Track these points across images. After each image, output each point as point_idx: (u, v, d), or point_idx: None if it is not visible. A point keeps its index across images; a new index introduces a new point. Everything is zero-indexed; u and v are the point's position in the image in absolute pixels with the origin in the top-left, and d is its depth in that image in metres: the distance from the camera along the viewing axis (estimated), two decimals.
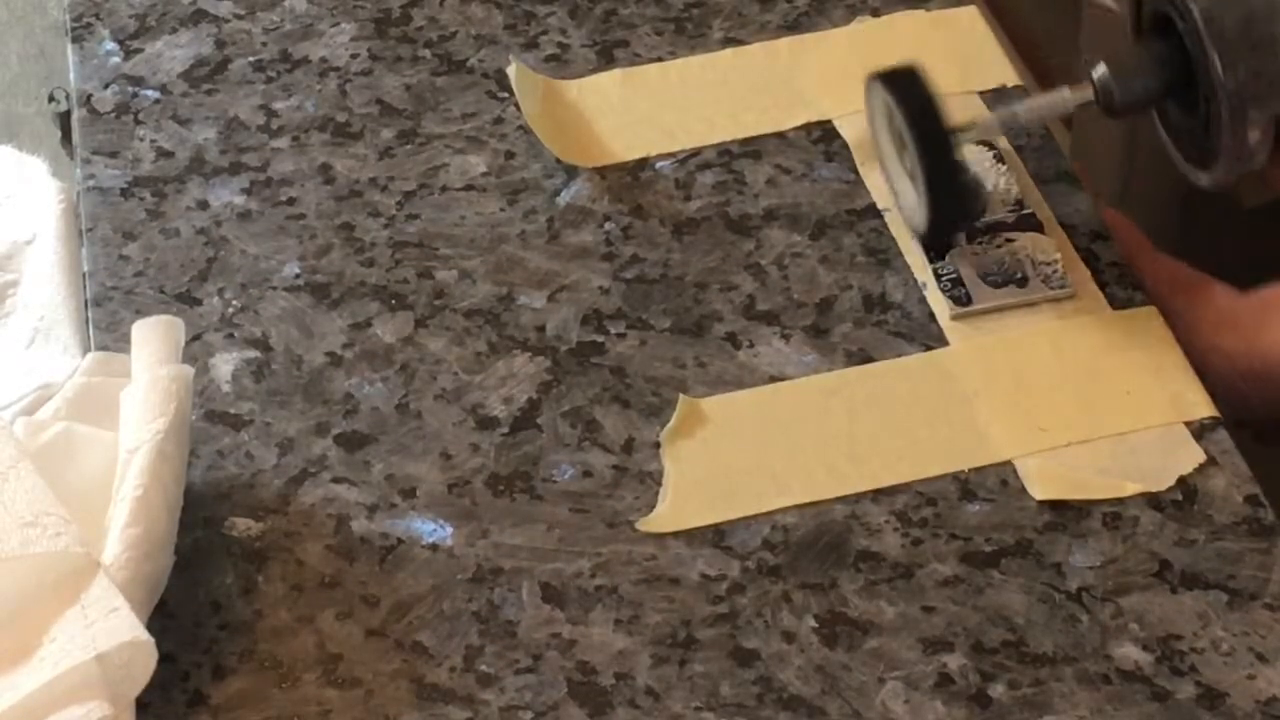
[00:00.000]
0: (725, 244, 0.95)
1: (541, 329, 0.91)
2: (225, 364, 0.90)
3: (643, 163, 0.99)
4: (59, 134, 1.08)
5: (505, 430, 0.87)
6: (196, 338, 0.91)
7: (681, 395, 0.88)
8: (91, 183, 0.99)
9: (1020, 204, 0.94)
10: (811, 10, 1.06)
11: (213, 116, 1.02)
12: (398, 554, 0.83)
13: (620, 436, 0.87)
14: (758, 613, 0.81)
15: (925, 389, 0.88)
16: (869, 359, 0.90)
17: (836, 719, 0.77)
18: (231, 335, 0.92)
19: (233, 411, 0.88)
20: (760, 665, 0.79)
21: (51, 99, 1.09)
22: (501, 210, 0.97)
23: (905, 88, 0.90)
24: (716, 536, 0.83)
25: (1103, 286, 0.92)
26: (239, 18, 1.07)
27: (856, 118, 0.98)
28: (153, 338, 0.83)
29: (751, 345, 0.90)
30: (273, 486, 0.86)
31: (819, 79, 1.02)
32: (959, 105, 0.93)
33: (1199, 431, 0.86)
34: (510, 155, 0.99)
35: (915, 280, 0.93)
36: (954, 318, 0.91)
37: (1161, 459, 0.85)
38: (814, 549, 0.83)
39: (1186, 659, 0.79)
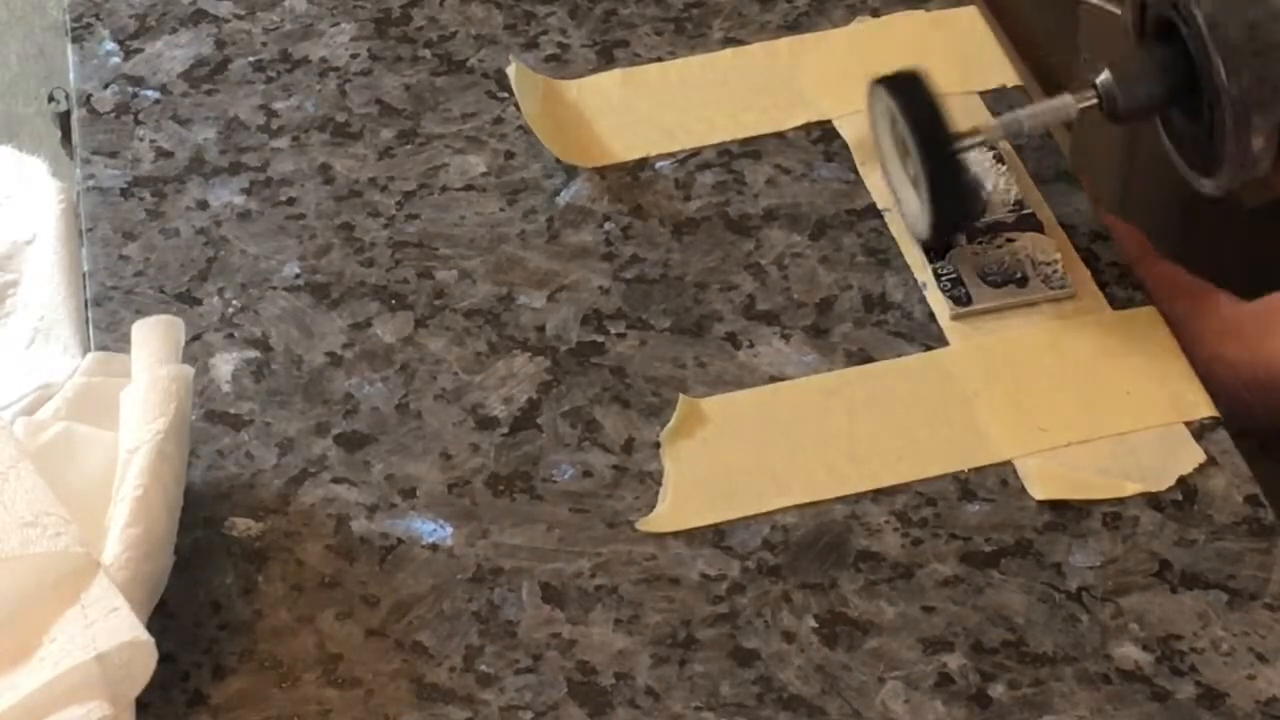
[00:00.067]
0: (725, 244, 0.95)
1: (541, 329, 0.91)
2: (225, 364, 0.90)
3: (643, 163, 0.99)
4: (59, 134, 1.08)
5: (505, 430, 0.87)
6: (196, 338, 0.91)
7: (681, 395, 0.88)
8: (91, 183, 0.99)
9: (1020, 204, 0.94)
10: (811, 10, 1.06)
11: (213, 116, 1.02)
12: (398, 554, 0.83)
13: (620, 436, 0.87)
14: (758, 613, 0.81)
15: (925, 389, 0.88)
16: (869, 359, 0.90)
17: (836, 719, 0.77)
18: (231, 335, 0.92)
19: (233, 411, 0.88)
20: (760, 665, 0.79)
21: (51, 99, 1.09)
22: (501, 210, 0.97)
23: (908, 93, 0.90)
24: (716, 536, 0.83)
25: (1103, 286, 0.92)
26: (239, 18, 1.07)
27: (856, 118, 0.98)
28: (153, 338, 0.83)
29: (751, 345, 0.90)
30: (273, 486, 0.86)
31: (819, 79, 1.02)
32: (959, 106, 0.93)
33: (1199, 431, 0.86)
34: (510, 155, 0.99)
35: (915, 280, 0.93)
36: (954, 318, 0.91)
37: (1161, 459, 0.85)
38: (814, 549, 0.83)
39: (1186, 659, 0.79)
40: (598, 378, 0.89)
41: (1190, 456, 0.85)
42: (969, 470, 0.85)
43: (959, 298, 0.91)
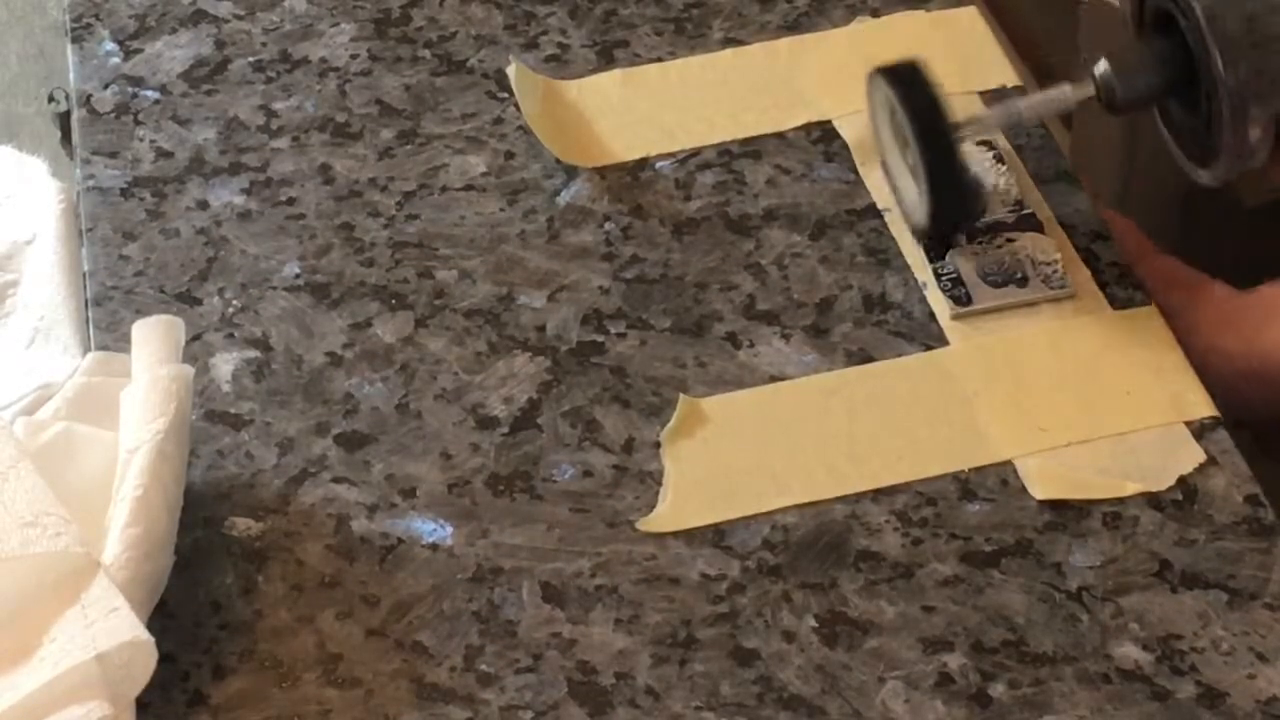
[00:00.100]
0: (725, 244, 0.95)
1: (541, 329, 0.91)
2: (225, 364, 0.90)
3: (643, 163, 0.99)
4: (59, 134, 1.08)
5: (505, 430, 0.87)
6: (196, 338, 0.91)
7: (681, 395, 0.88)
8: (91, 183, 0.99)
9: (1020, 204, 0.94)
10: (811, 10, 1.06)
11: (213, 117, 1.02)
12: (398, 554, 0.83)
13: (620, 436, 0.87)
14: (758, 612, 0.81)
15: (925, 389, 0.88)
16: (869, 359, 0.90)
17: (836, 719, 0.77)
18: (231, 335, 0.92)
19: (233, 411, 0.88)
20: (760, 665, 0.79)
21: (51, 99, 1.09)
22: (501, 210, 0.97)
23: (908, 83, 0.90)
24: (716, 536, 0.83)
25: (1103, 286, 0.92)
26: (239, 18, 1.07)
27: (856, 118, 0.98)
28: (153, 338, 0.83)
29: (751, 345, 0.90)
30: (273, 486, 0.86)
31: (819, 79, 1.02)
32: (959, 105, 0.93)
33: (1199, 431, 0.86)
34: (510, 155, 0.99)
35: (915, 280, 0.93)
36: (954, 318, 0.91)
37: (1161, 459, 0.85)
38: (814, 549, 0.83)
39: (1186, 659, 0.79)
40: (598, 378, 0.89)
41: (1190, 456, 0.85)
42: (969, 470, 0.85)
43: (959, 298, 0.91)
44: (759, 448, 0.86)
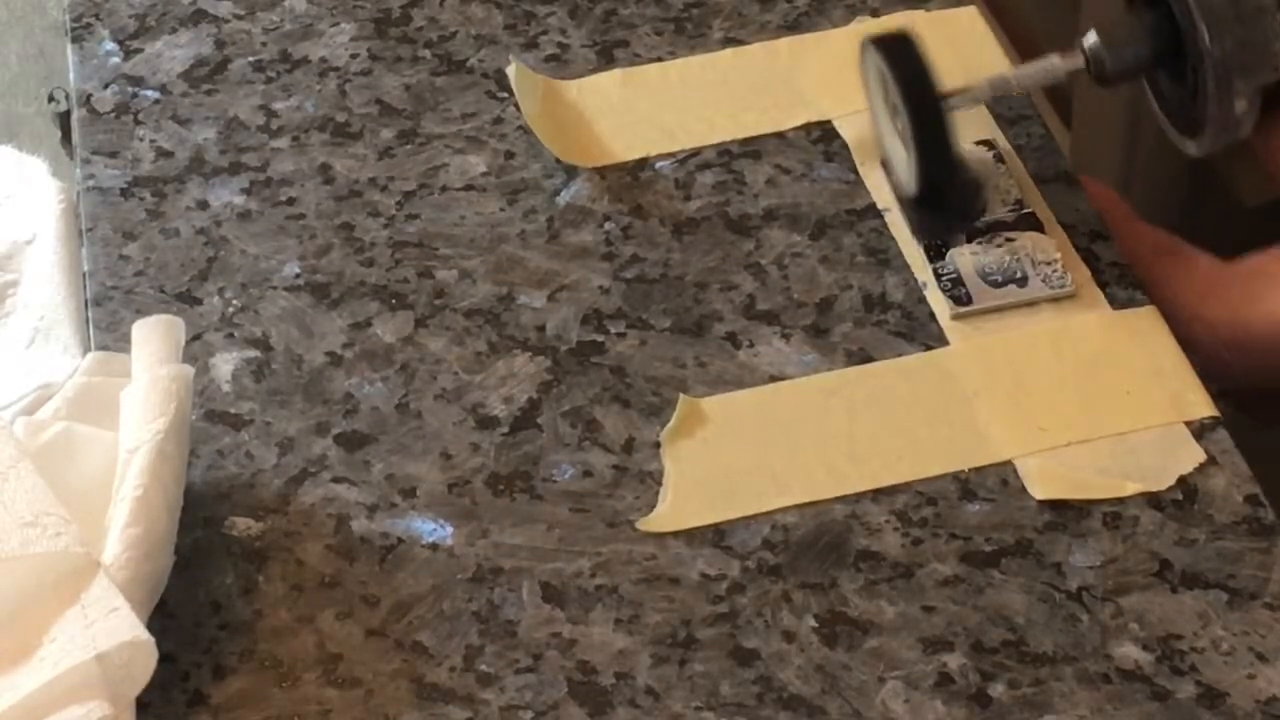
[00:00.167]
0: (725, 244, 0.95)
1: (541, 329, 0.91)
2: (225, 364, 0.90)
3: (643, 163, 0.99)
4: (59, 134, 1.08)
5: (505, 430, 0.87)
6: (196, 338, 0.91)
7: (681, 395, 0.88)
8: (91, 183, 0.99)
9: (1020, 204, 0.94)
10: (811, 10, 1.06)
11: (213, 116, 1.02)
12: (398, 554, 0.83)
13: (620, 436, 0.87)
14: (758, 612, 0.81)
15: (925, 389, 0.88)
16: (869, 359, 0.90)
17: (836, 718, 0.77)
18: (231, 335, 0.92)
19: (233, 411, 0.88)
20: (760, 665, 0.79)
21: (51, 99, 1.09)
22: (501, 210, 0.97)
23: (898, 52, 0.90)
24: (716, 536, 0.83)
25: (1103, 286, 0.92)
26: (239, 18, 1.07)
27: (856, 118, 0.98)
28: (153, 337, 0.83)
29: (751, 345, 0.90)
30: (273, 486, 0.86)
31: (819, 79, 1.02)
32: (956, 83, 0.93)
33: (1199, 431, 0.86)
34: (510, 155, 0.99)
35: (915, 280, 0.93)
36: (954, 317, 0.91)
37: (1161, 459, 0.85)
38: (814, 549, 0.83)
39: (1186, 658, 0.79)
40: (598, 377, 0.89)
41: (1190, 456, 0.85)
42: (969, 470, 0.85)
43: (959, 297, 0.91)
44: (759, 448, 0.86)
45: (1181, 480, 0.84)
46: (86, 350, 0.92)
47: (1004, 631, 0.80)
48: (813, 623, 0.80)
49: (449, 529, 0.84)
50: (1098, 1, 1.04)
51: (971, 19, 1.05)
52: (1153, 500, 0.84)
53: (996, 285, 0.91)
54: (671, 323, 0.91)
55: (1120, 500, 0.84)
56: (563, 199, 0.97)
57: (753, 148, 0.99)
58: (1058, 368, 0.89)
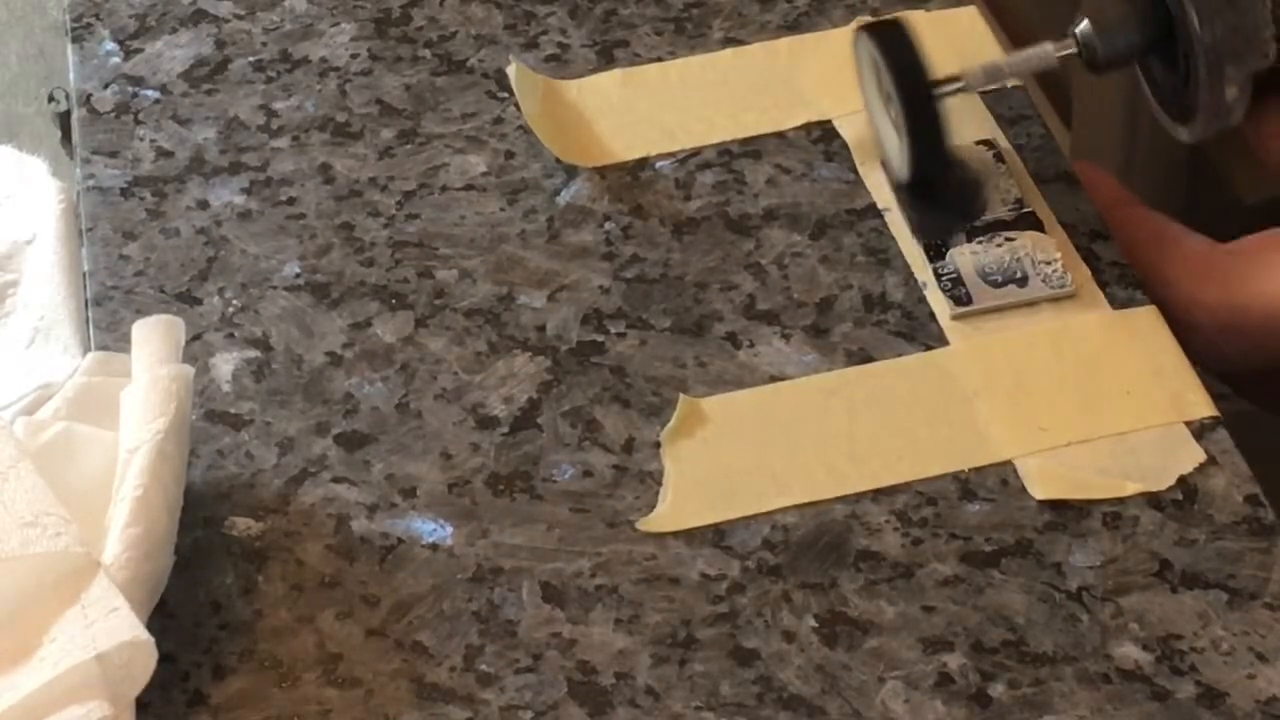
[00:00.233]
0: (725, 244, 0.95)
1: (541, 329, 0.91)
2: (225, 364, 0.90)
3: (643, 163, 0.99)
4: (59, 134, 1.08)
5: (505, 430, 0.87)
6: (196, 338, 0.91)
7: (681, 395, 0.88)
8: (91, 183, 0.99)
9: (1020, 204, 0.95)
10: (811, 10, 1.06)
11: (213, 116, 1.02)
12: (398, 554, 0.83)
13: (620, 436, 0.87)
14: (758, 612, 0.81)
15: (925, 389, 0.88)
16: (869, 359, 0.90)
17: (836, 718, 0.77)
18: (231, 335, 0.92)
19: (233, 411, 0.88)
20: (760, 665, 0.79)
21: (51, 99, 1.09)
22: (501, 210, 0.97)
23: (890, 39, 0.90)
24: (716, 536, 0.83)
25: (1103, 286, 0.92)
26: (239, 18, 1.07)
27: (856, 117, 0.98)
28: (153, 337, 0.83)
29: (751, 345, 0.90)
30: (273, 486, 0.86)
31: (819, 79, 1.02)
32: (959, 106, 0.93)
33: (1199, 431, 0.86)
34: (510, 155, 0.99)
35: (915, 280, 0.93)
36: (954, 317, 0.91)
37: (1161, 459, 0.85)
38: (814, 549, 0.83)
39: (1186, 659, 0.79)
40: (598, 377, 0.89)
41: (1190, 456, 0.85)
42: (969, 470, 0.85)
43: (959, 297, 0.91)
44: (759, 448, 0.86)
45: (1181, 480, 0.84)
46: (86, 350, 0.92)
47: (1004, 631, 0.80)
48: (813, 623, 0.80)
49: (449, 529, 0.84)
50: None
51: (971, 19, 1.05)
52: (1153, 500, 0.84)
53: (996, 285, 0.91)
54: (671, 323, 0.91)
55: (1120, 500, 0.84)
56: (563, 199, 0.97)
57: (753, 148, 0.99)
58: (1058, 368, 0.89)
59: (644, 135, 1.00)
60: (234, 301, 0.93)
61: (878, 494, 0.84)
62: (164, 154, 1.00)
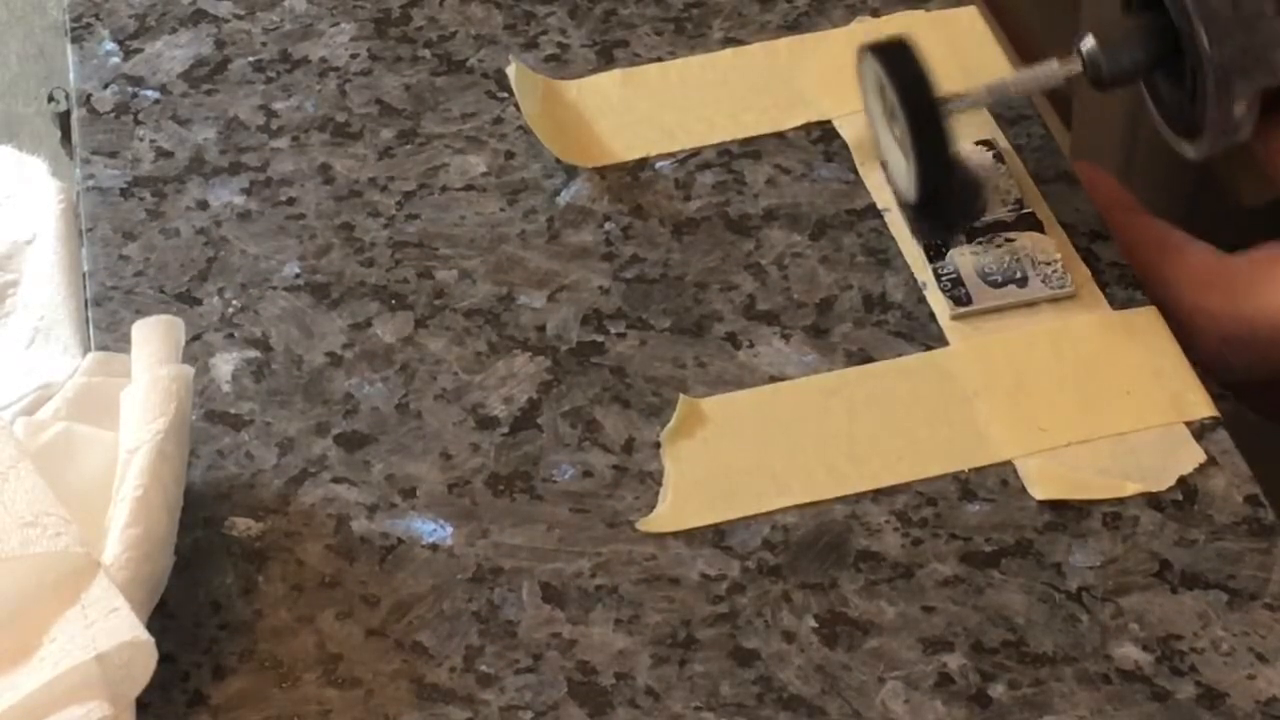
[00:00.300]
0: (725, 244, 0.95)
1: (541, 329, 0.91)
2: (225, 364, 0.90)
3: (643, 163, 0.99)
4: (59, 134, 1.08)
5: (505, 430, 0.87)
6: (196, 338, 0.91)
7: (681, 395, 0.88)
8: (91, 183, 0.99)
9: (1020, 204, 0.95)
10: (811, 10, 1.06)
11: (212, 116, 1.02)
12: (398, 554, 0.83)
13: (620, 436, 0.87)
14: (758, 613, 0.81)
15: (925, 389, 0.88)
16: (869, 359, 0.90)
17: (836, 719, 0.77)
18: (231, 335, 0.92)
19: (233, 411, 0.88)
20: (760, 665, 0.79)
21: (51, 99, 1.09)
22: (501, 210, 0.97)
23: (895, 58, 0.90)
24: (716, 536, 0.83)
25: (1103, 286, 0.92)
26: (239, 18, 1.07)
27: (856, 118, 0.98)
28: (153, 338, 0.83)
29: (751, 345, 0.90)
30: (273, 486, 0.86)
31: (819, 79, 1.02)
32: (954, 89, 0.93)
33: (1199, 431, 0.86)
34: (510, 155, 0.99)
35: (915, 280, 0.93)
36: (954, 318, 0.91)
37: (1161, 459, 0.85)
38: (814, 549, 0.83)
39: (1186, 659, 0.79)
40: (598, 378, 0.89)
41: (1190, 456, 0.85)
42: (969, 470, 0.85)
43: (959, 298, 0.91)
44: (759, 448, 0.86)
45: (1181, 480, 0.84)
46: (86, 350, 0.92)
47: (1004, 632, 0.80)
48: (813, 623, 0.80)
49: (449, 529, 0.84)
50: (1096, 5, 1.04)
51: (971, 19, 1.05)
52: (1153, 500, 0.84)
53: (996, 285, 0.91)
54: (671, 323, 0.91)
55: (1120, 500, 0.84)
56: (563, 199, 0.97)
57: (753, 148, 0.99)
58: (1058, 368, 0.89)
59: (644, 135, 1.00)
60: (234, 302, 0.93)
61: (878, 494, 0.84)
62: (164, 154, 1.00)
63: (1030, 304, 0.91)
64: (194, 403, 0.85)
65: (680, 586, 0.82)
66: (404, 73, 1.04)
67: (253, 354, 0.91)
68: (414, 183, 0.98)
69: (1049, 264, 0.92)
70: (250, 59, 1.05)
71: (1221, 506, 0.83)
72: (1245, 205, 0.98)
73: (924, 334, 0.91)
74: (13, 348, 0.96)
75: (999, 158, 0.96)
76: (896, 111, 0.89)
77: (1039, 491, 0.84)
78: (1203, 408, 0.87)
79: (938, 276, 0.92)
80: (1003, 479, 0.85)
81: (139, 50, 1.06)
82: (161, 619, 0.79)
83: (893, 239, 0.94)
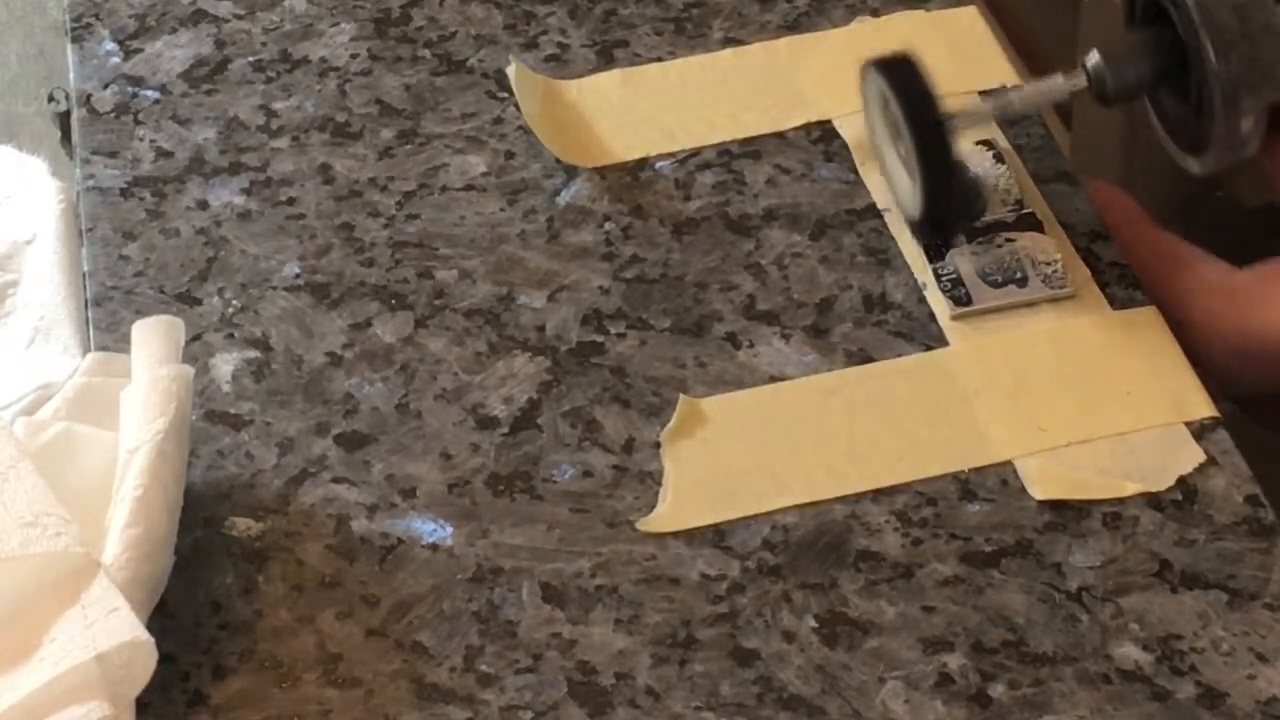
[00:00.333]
0: (725, 244, 0.95)
1: (541, 329, 0.91)
2: (225, 364, 0.90)
3: (643, 163, 0.99)
4: (59, 134, 1.08)
5: (505, 430, 0.87)
6: (196, 338, 0.91)
7: (681, 395, 0.88)
8: (91, 183, 0.99)
9: (1020, 204, 0.94)
10: (811, 10, 1.06)
11: (212, 116, 1.02)
12: (398, 554, 0.83)
13: (620, 436, 0.87)
14: (758, 613, 0.81)
15: (925, 389, 0.88)
16: (869, 359, 0.90)
17: (836, 718, 0.77)
18: (231, 335, 0.92)
19: (233, 411, 0.88)
20: (760, 665, 0.79)
21: (51, 99, 1.09)
22: (501, 210, 0.97)
23: (900, 75, 0.90)
24: (716, 536, 0.83)
25: (1103, 286, 0.92)
26: (239, 18, 1.07)
27: (856, 118, 0.97)
28: (153, 338, 0.83)
29: (751, 345, 0.90)
30: (273, 486, 0.86)
31: (819, 79, 1.02)
32: (957, 104, 0.93)
33: (1199, 431, 0.86)
34: (510, 155, 0.99)
35: (915, 280, 0.93)
36: (954, 318, 0.91)
37: (1161, 459, 0.85)
38: (814, 549, 0.83)
39: (1186, 659, 0.79)
40: (598, 378, 0.89)
41: (1190, 456, 0.85)
42: (969, 470, 0.85)
43: (959, 298, 0.91)
44: (759, 448, 0.86)
45: (1181, 480, 0.84)
46: (86, 350, 0.92)
47: (1004, 632, 0.80)
48: (813, 623, 0.80)
49: (449, 529, 0.84)
50: (1096, 5, 1.04)
51: (971, 19, 1.05)
52: (1153, 500, 0.84)
53: (996, 285, 0.91)
54: (671, 323, 0.91)
55: (1120, 500, 0.84)
56: (563, 199, 0.97)
57: (753, 148, 0.99)
58: (1058, 368, 0.89)
59: (644, 135, 1.00)
60: (234, 302, 0.93)
61: (878, 494, 0.84)
62: (164, 154, 1.00)
63: (1030, 304, 0.91)
64: (194, 403, 0.85)
65: (680, 586, 0.82)
66: (404, 73, 1.04)
67: (253, 354, 0.91)
68: (414, 183, 0.98)
69: (1049, 264, 0.92)
70: (250, 59, 1.05)
71: (1221, 506, 0.83)
72: (1244, 205, 0.98)
73: (924, 334, 0.91)
74: (13, 348, 0.96)
75: (999, 158, 0.96)
76: (902, 129, 0.89)
77: (1039, 491, 0.84)
78: (1203, 408, 0.87)
79: (938, 276, 0.92)
80: (1003, 479, 0.85)
81: (139, 50, 1.06)
82: (161, 619, 0.79)
83: (893, 239, 0.94)
